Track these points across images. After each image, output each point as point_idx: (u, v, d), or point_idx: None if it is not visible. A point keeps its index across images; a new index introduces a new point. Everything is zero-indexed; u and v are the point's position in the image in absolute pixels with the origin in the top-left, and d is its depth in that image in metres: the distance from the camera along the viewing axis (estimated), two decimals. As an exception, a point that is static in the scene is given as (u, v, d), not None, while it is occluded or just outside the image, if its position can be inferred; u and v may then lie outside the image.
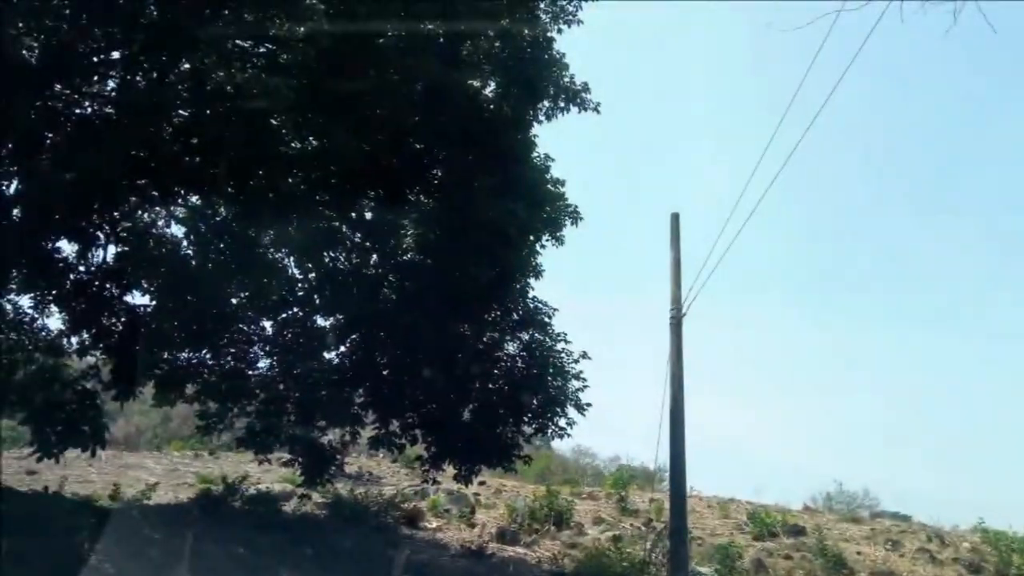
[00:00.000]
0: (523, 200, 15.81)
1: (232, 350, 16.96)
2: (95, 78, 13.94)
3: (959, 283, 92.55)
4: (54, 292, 15.06)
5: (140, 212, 15.62)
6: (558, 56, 16.05)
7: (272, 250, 16.44)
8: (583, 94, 16.33)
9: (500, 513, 21.85)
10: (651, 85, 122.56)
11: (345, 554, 15.82)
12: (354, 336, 17.94)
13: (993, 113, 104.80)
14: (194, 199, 15.62)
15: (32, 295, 14.83)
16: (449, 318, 16.66)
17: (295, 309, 17.30)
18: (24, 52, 12.61)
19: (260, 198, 14.64)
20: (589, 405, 17.57)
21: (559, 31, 16.08)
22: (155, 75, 13.54)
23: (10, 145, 13.39)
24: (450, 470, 18.59)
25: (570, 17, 16.16)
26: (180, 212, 15.72)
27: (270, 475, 21.39)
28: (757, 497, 27.99)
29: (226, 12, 13.02)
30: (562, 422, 17.62)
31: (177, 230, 15.73)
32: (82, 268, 15.20)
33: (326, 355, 17.73)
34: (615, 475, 29.13)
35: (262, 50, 14.26)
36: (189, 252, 15.30)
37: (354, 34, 13.41)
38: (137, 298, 15.45)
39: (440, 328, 16.38)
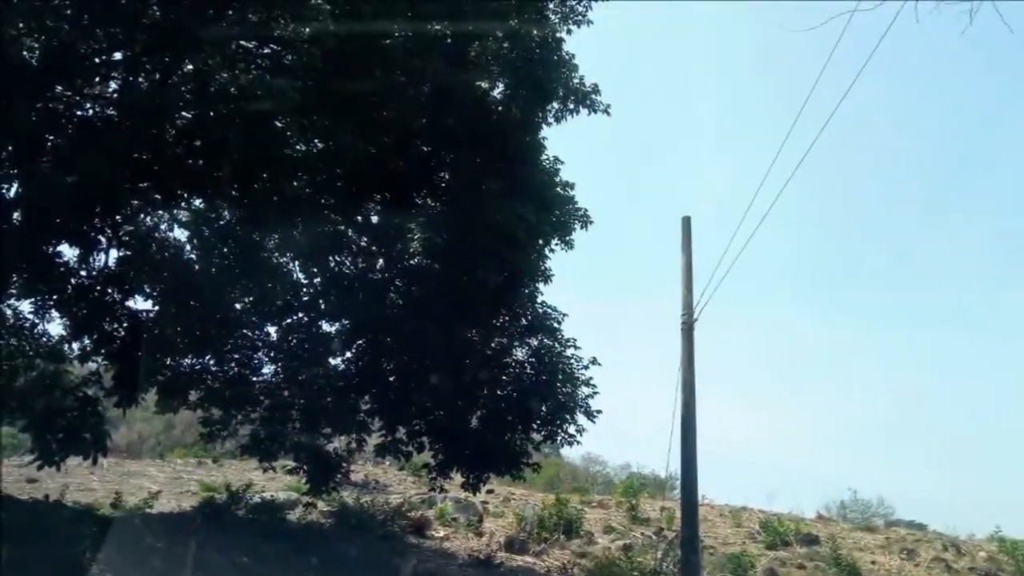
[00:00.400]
0: (532, 203, 15.62)
1: (236, 356, 16.71)
2: (97, 79, 13.72)
3: (975, 283, 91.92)
4: (55, 297, 14.84)
5: (142, 216, 15.40)
6: (568, 57, 15.82)
7: (276, 254, 16.24)
8: (593, 96, 16.07)
9: (508, 522, 21.61)
10: (659, 85, 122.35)
11: (351, 563, 15.65)
12: (360, 342, 17.75)
13: (1005, 113, 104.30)
14: (197, 202, 15.41)
15: (33, 300, 14.61)
16: (457, 323, 16.46)
17: (300, 314, 17.06)
18: (24, 53, 12.42)
19: (264, 201, 14.43)
20: (599, 412, 17.46)
21: (568, 31, 15.87)
22: (158, 76, 13.34)
23: (10, 147, 13.18)
24: (458, 478, 18.37)
25: (580, 17, 15.94)
26: (183, 216, 15.50)
27: (274, 483, 21.24)
28: (770, 505, 27.67)
29: (230, 12, 12.82)
30: (571, 429, 17.50)
31: (180, 234, 15.52)
32: (83, 273, 14.98)
33: (331, 361, 17.48)
34: (625, 483, 28.84)
35: (266, 51, 14.05)
36: (192, 256, 15.09)
37: (360, 35, 13.22)
38: (139, 303, 15.25)
39: (447, 334, 16.19)
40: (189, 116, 13.60)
